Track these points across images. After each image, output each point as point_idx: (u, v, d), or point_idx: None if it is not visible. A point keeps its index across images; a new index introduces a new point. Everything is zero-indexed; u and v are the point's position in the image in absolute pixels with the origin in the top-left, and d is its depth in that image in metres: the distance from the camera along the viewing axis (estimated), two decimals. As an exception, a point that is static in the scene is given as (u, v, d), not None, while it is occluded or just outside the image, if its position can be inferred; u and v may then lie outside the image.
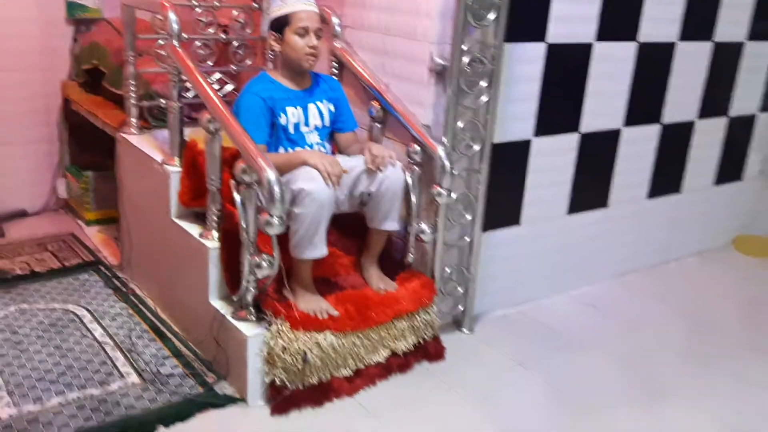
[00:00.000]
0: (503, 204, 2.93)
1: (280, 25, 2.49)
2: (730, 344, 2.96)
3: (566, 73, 2.93)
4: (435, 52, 2.50)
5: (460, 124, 2.55)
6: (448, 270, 2.75)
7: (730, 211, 3.93)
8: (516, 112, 2.80)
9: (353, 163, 2.51)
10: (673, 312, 3.21)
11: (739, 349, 2.92)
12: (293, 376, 2.31)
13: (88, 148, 3.79)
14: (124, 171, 3.10)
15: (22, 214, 3.82)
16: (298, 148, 2.51)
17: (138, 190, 2.99)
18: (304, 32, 2.46)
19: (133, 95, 2.99)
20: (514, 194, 2.96)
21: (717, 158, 3.73)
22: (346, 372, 2.44)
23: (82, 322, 2.75)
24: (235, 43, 3.18)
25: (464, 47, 2.46)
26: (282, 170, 2.35)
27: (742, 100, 3.68)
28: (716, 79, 3.49)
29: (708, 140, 3.63)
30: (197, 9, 3.07)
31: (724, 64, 3.50)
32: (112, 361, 2.50)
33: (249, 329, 2.30)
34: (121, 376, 2.42)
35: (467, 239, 2.75)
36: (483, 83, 2.54)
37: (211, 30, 3.09)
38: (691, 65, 3.36)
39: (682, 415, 2.44)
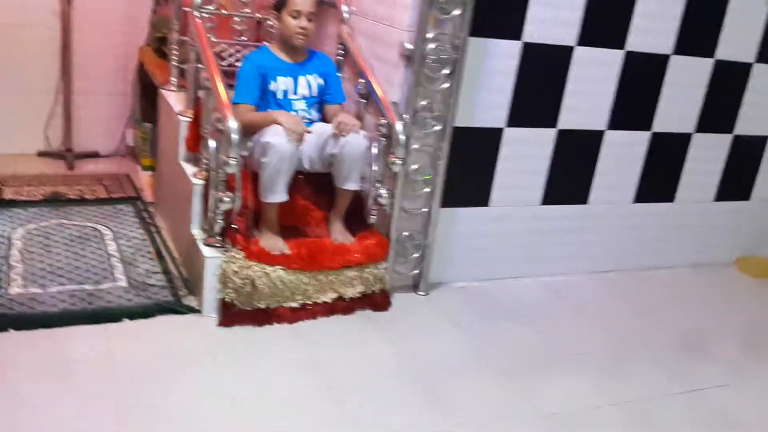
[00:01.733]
0: (471, 184, 3.23)
1: (279, 6, 2.95)
2: (681, 348, 3.04)
3: (544, 72, 3.17)
4: (405, 38, 2.86)
5: (421, 103, 2.89)
6: (405, 234, 3.09)
7: (734, 229, 3.98)
8: (488, 101, 3.10)
9: (325, 128, 2.93)
10: (638, 312, 3.35)
11: (687, 354, 3.00)
12: (243, 297, 2.75)
13: (152, 104, 4.40)
14: (161, 122, 3.66)
15: (94, 155, 4.51)
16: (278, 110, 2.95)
17: (166, 137, 3.54)
18: (297, 15, 2.91)
19: (175, 58, 3.54)
20: (484, 177, 3.24)
21: (719, 174, 3.81)
22: (293, 304, 2.85)
23: (103, 238, 3.33)
24: (269, 21, 3.65)
25: (428, 36, 2.80)
26: (259, 126, 2.82)
27: (751, 121, 3.74)
28: (718, 97, 3.59)
29: (708, 155, 3.73)
30: (239, -11, 3.57)
31: (728, 82, 3.59)
32: (112, 269, 3.04)
33: (209, 252, 2.76)
34: (114, 280, 2.95)
35: (425, 210, 3.08)
36: (445, 71, 2.87)
37: (247, 10, 3.58)
38: (687, 79, 3.49)
39: (581, 390, 2.65)
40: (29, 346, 2.44)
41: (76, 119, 4.40)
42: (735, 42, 3.51)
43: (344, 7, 3.28)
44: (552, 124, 3.29)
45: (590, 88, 3.30)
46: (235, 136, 2.56)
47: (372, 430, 2.26)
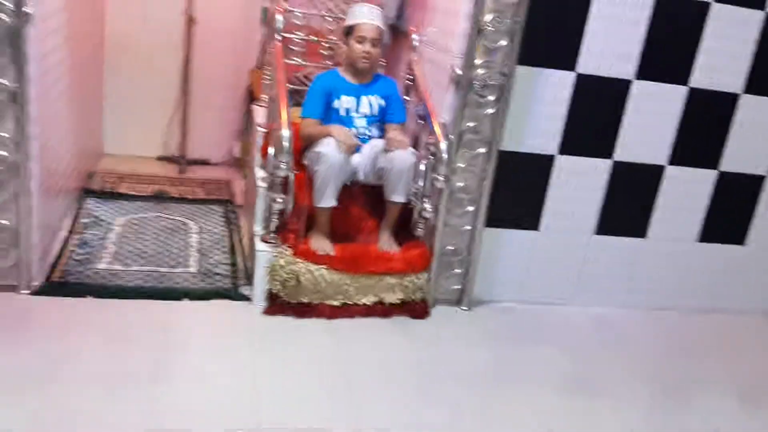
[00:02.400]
0: (521, 207, 3.35)
1: (347, 32, 3.26)
2: (727, 398, 2.91)
3: (599, 103, 3.24)
4: (456, 64, 3.07)
5: (468, 125, 3.08)
6: (450, 248, 3.26)
7: (816, 279, 3.79)
8: (538, 128, 3.22)
9: (379, 144, 3.19)
10: (690, 354, 3.26)
11: (733, 405, 2.87)
12: (288, 290, 3.04)
13: (256, 120, 4.87)
14: (251, 134, 4.08)
15: (205, 162, 5.04)
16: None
17: (252, 147, 3.94)
18: (362, 40, 3.21)
19: (266, 78, 3.94)
20: (534, 201, 3.34)
21: (798, 220, 3.67)
22: (334, 302, 3.11)
23: (188, 231, 3.76)
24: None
25: (476, 63, 2.99)
26: (316, 137, 3.13)
27: (836, 166, 3.58)
28: (797, 139, 3.49)
29: (785, 199, 3.61)
30: (328, 18, 3.94)
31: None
32: (187, 257, 3.44)
33: (262, 247, 3.09)
34: (186, 266, 3.35)
35: (468, 227, 3.24)
36: (492, 96, 3.04)
37: (333, 37, 3.93)
38: (760, 119, 3.42)
39: (594, 416, 2.69)
40: (99, 311, 2.87)
41: (192, 129, 4.95)
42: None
43: (414, 36, 3.55)
44: (608, 155, 3.34)
45: (650, 122, 3.32)
46: (285, 143, 2.87)
47: (369, 423, 2.43)
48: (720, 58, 3.28)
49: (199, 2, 4.69)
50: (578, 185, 3.37)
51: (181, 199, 4.25)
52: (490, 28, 2.95)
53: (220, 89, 4.95)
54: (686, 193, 3.50)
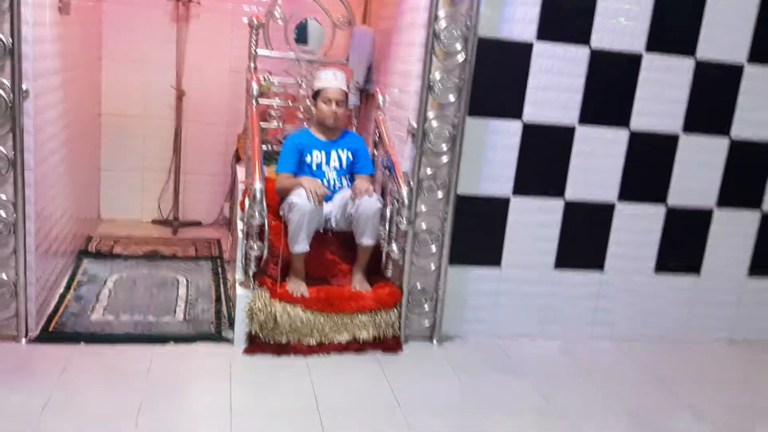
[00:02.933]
0: (482, 246, 3.60)
1: (315, 94, 3.61)
2: (686, 425, 3.05)
3: (547, 148, 3.54)
4: (411, 118, 3.38)
5: (427, 173, 3.37)
6: (419, 287, 3.51)
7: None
8: (492, 173, 3.51)
9: (346, 192, 3.48)
10: (653, 382, 3.41)
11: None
12: (266, 331, 3.28)
13: (244, 182, 5.18)
14: (234, 191, 4.38)
15: (197, 224, 5.33)
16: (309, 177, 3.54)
17: (235, 203, 4.23)
18: (328, 101, 3.55)
19: (248, 140, 4.27)
20: (493, 240, 3.61)
21: (750, 250, 3.90)
22: (311, 341, 3.34)
23: (177, 285, 4.02)
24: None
25: (429, 116, 3.31)
26: (290, 189, 3.42)
27: (778, 196, 3.84)
28: (737, 174, 3.75)
29: (734, 230, 3.84)
30: (303, 85, 4.30)
31: (747, 161, 3.75)
32: (175, 307, 3.69)
33: (241, 291, 3.34)
34: (174, 314, 3.60)
35: (434, 266, 3.50)
36: (445, 146, 3.34)
37: (308, 101, 4.29)
38: (701, 157, 3.70)
39: None
40: (92, 355, 3.11)
41: (185, 193, 5.27)
42: (750, 121, 3.70)
43: (380, 97, 3.89)
44: (559, 194, 3.61)
45: (596, 163, 3.61)
46: (258, 194, 3.17)
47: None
48: (656, 102, 3.58)
49: (187, 75, 5.07)
50: (534, 224, 3.63)
51: (173, 257, 4.53)
52: (439, 86, 3.28)
53: (210, 154, 5.29)
54: (638, 228, 3.75)
